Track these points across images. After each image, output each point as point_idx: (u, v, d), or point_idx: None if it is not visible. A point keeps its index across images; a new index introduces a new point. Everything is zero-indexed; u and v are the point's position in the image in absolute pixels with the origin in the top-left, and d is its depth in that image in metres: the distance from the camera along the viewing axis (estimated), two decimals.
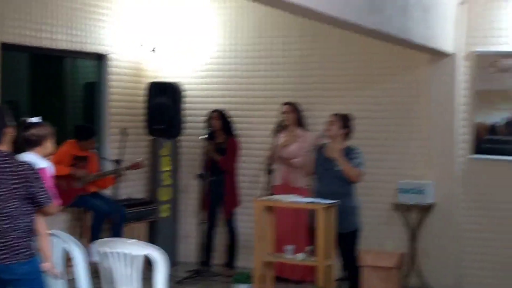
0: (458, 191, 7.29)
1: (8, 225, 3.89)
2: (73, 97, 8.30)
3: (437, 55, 7.14)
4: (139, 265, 4.48)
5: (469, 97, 7.24)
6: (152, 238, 7.89)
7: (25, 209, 3.93)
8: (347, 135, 6.29)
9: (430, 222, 7.32)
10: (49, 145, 4.38)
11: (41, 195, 3.97)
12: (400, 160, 7.47)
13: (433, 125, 7.31)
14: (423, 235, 7.35)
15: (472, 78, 7.22)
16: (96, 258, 4.65)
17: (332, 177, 6.11)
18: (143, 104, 8.07)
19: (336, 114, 6.33)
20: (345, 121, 6.26)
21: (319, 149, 6.29)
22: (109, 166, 7.60)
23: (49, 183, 4.21)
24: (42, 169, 4.18)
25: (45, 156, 4.36)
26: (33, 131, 4.33)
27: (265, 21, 8.08)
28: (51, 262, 4.18)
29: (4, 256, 3.90)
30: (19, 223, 3.91)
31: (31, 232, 4.00)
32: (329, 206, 5.85)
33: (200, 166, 7.79)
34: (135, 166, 7.50)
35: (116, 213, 7.25)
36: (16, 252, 3.91)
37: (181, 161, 8.38)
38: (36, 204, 3.97)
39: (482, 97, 7.15)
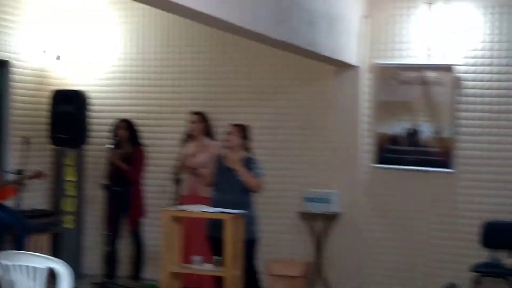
0: (361, 199, 7.48)
1: None
2: None
3: (342, 66, 7.31)
4: (42, 278, 4.36)
5: (372, 108, 7.45)
6: (56, 250, 7.68)
7: None
8: (246, 145, 6.34)
9: (335, 231, 7.47)
10: None
11: None
12: (306, 170, 7.60)
13: (338, 135, 7.47)
14: (329, 244, 7.48)
15: (375, 89, 7.44)
16: None
17: (232, 186, 6.14)
18: (47, 113, 7.87)
19: (235, 125, 6.37)
20: (244, 131, 6.31)
21: (219, 159, 6.30)
22: (10, 176, 7.35)
23: None
24: None
25: None
26: None
27: (173, 30, 8.06)
28: None
29: None
30: None
31: None
32: (238, 216, 5.87)
33: (106, 176, 7.65)
34: (36, 175, 7.27)
35: (19, 225, 7.01)
36: None
37: (87, 171, 8.21)
38: None
39: (384, 108, 7.36)
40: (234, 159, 6.17)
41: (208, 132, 7.48)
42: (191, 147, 7.31)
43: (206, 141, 7.41)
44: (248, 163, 6.20)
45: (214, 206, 6.10)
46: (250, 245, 6.12)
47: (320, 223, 7.45)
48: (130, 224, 7.72)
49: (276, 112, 7.70)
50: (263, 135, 7.61)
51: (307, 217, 7.44)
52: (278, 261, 6.62)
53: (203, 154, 7.27)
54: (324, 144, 7.55)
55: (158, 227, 7.68)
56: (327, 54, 6.55)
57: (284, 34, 5.60)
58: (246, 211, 6.05)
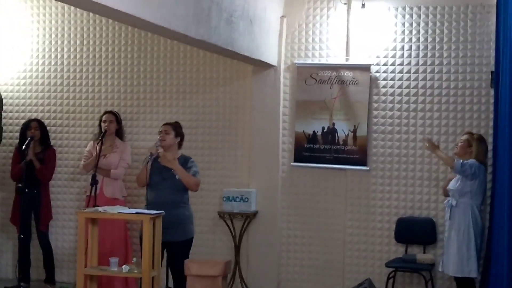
0: (279, 198, 7.53)
1: None
2: None
3: (261, 66, 7.35)
4: None
5: (290, 107, 7.52)
6: None
7: None
8: (180, 143, 6.29)
9: (253, 230, 7.50)
10: None
11: None
12: (225, 169, 7.60)
13: (257, 134, 7.50)
14: (247, 243, 7.51)
15: (293, 89, 7.51)
16: None
17: (169, 186, 6.08)
18: None
19: (168, 124, 6.30)
20: (177, 130, 6.26)
21: (155, 159, 6.21)
22: None
23: None
24: None
25: None
26: None
27: (88, 28, 7.90)
28: None
29: None
30: None
31: None
32: (155, 217, 5.80)
33: (15, 177, 7.41)
34: None
35: None
36: None
37: None
38: None
39: (302, 107, 7.44)
40: (169, 158, 6.10)
41: (119, 132, 7.37)
42: (102, 147, 7.14)
43: (117, 141, 7.29)
44: (185, 162, 6.14)
45: (150, 207, 6.02)
46: (188, 245, 6.10)
47: (239, 222, 7.46)
48: (40, 226, 7.51)
49: (195, 111, 7.67)
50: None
51: (226, 216, 7.44)
52: (196, 261, 6.58)
53: (113, 155, 7.16)
54: (244, 143, 7.57)
55: (67, 229, 7.57)
56: (246, 53, 6.57)
57: (203, 33, 5.58)
58: (183, 210, 6.01)
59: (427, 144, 6.62)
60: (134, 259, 5.99)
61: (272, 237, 7.48)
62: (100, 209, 6.11)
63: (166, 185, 6.10)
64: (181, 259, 6.15)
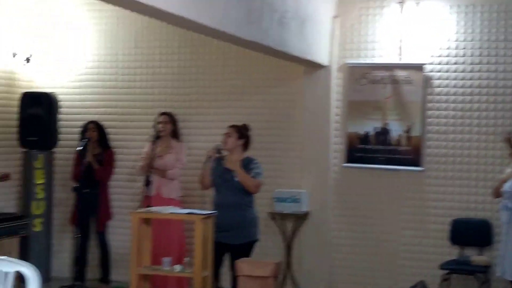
0: (331, 199, 7.50)
1: None
2: None
3: (313, 66, 7.33)
4: (10, 282, 4.30)
5: (342, 108, 7.48)
6: (24, 254, 7.58)
7: None
8: (245, 145, 6.29)
9: (304, 231, 7.48)
10: None
11: None
12: (276, 170, 7.59)
13: (308, 135, 7.49)
14: (298, 243, 7.50)
15: (345, 89, 7.47)
16: None
17: (231, 188, 6.09)
18: (16, 115, 7.78)
19: (232, 126, 6.31)
20: (242, 132, 6.26)
21: (218, 161, 6.27)
22: None
23: None
24: None
25: None
26: None
27: (144, 31, 8.02)
28: None
29: None
30: None
31: None
32: (207, 217, 5.85)
33: (74, 178, 7.58)
34: (2, 178, 7.19)
35: None
36: None
37: (55, 173, 8.12)
38: None
39: (354, 107, 7.39)
40: (232, 160, 6.14)
41: (175, 133, 7.45)
42: (157, 148, 7.25)
43: (173, 142, 7.38)
44: (247, 164, 6.16)
45: (214, 209, 6.09)
46: (250, 247, 6.12)
47: (290, 223, 7.45)
48: (97, 226, 7.66)
49: (247, 112, 7.68)
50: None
51: (277, 217, 7.44)
52: (247, 261, 6.61)
53: (169, 155, 7.24)
54: (295, 144, 7.57)
55: (124, 229, 7.70)
56: (297, 54, 6.56)
57: (255, 34, 5.60)
58: (246, 212, 6.04)
59: None
60: (187, 258, 6.04)
61: (324, 238, 7.45)
62: (153, 209, 6.21)
63: (227, 187, 6.13)
64: None
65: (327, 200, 7.47)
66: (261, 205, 7.55)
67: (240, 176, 6.07)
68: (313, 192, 7.42)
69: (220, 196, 6.17)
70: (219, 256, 6.07)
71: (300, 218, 7.41)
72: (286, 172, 7.58)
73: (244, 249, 6.14)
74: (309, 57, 6.87)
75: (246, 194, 6.15)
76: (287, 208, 7.37)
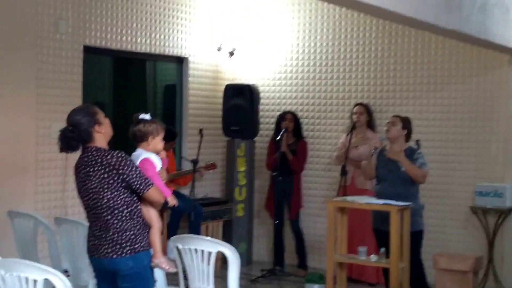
0: None
1: (108, 217, 3.93)
2: (154, 98, 8.54)
3: None
4: (212, 262, 4.57)
5: None
6: (227, 237, 8.01)
7: (124, 199, 3.94)
8: (407, 136, 6.23)
9: (508, 226, 7.15)
10: (155, 142, 4.22)
11: (135, 181, 3.93)
12: (478, 162, 7.33)
13: None
14: (501, 239, 7.19)
15: None
16: (172, 255, 4.75)
17: (396, 178, 6.05)
18: (220, 106, 8.23)
19: (396, 116, 6.27)
20: (405, 122, 6.20)
21: (381, 152, 6.25)
22: (186, 166, 7.79)
23: (152, 173, 4.12)
24: (145, 159, 4.15)
25: (154, 152, 4.24)
26: (140, 127, 4.21)
27: (341, 23, 8.09)
28: (161, 256, 4.11)
29: (107, 250, 3.96)
30: (118, 214, 3.93)
31: (137, 225, 3.98)
32: (403, 208, 5.81)
33: (270, 166, 7.84)
34: (209, 167, 7.70)
35: (194, 211, 7.40)
36: (119, 246, 3.93)
37: (255, 161, 8.47)
38: (135, 192, 3.96)
39: None
40: (396, 151, 6.11)
41: (370, 124, 7.46)
42: (353, 138, 7.31)
43: (368, 133, 7.39)
44: (411, 154, 6.11)
45: (378, 198, 6.09)
46: (415, 237, 6.05)
47: (492, 217, 7.16)
48: (290, 214, 7.88)
49: (446, 103, 7.49)
50: (431, 127, 7.47)
51: (478, 211, 7.18)
52: (445, 254, 6.46)
53: (364, 146, 7.26)
54: (497, 136, 7.25)
55: (315, 217, 7.85)
56: (501, 42, 6.29)
57: (455, 22, 5.46)
58: (411, 202, 5.98)
59: None
60: (383, 249, 6.04)
61: None
62: (349, 198, 6.27)
63: (392, 178, 6.07)
64: (410, 252, 6.04)
65: None
66: (461, 198, 7.35)
67: (407, 166, 5.99)
68: None
69: (384, 186, 6.12)
70: (381, 245, 6.02)
71: (504, 213, 7.09)
72: (488, 164, 7.28)
73: (411, 238, 6.01)
74: None
75: (412, 184, 6.07)
76: (490, 202, 7.09)
